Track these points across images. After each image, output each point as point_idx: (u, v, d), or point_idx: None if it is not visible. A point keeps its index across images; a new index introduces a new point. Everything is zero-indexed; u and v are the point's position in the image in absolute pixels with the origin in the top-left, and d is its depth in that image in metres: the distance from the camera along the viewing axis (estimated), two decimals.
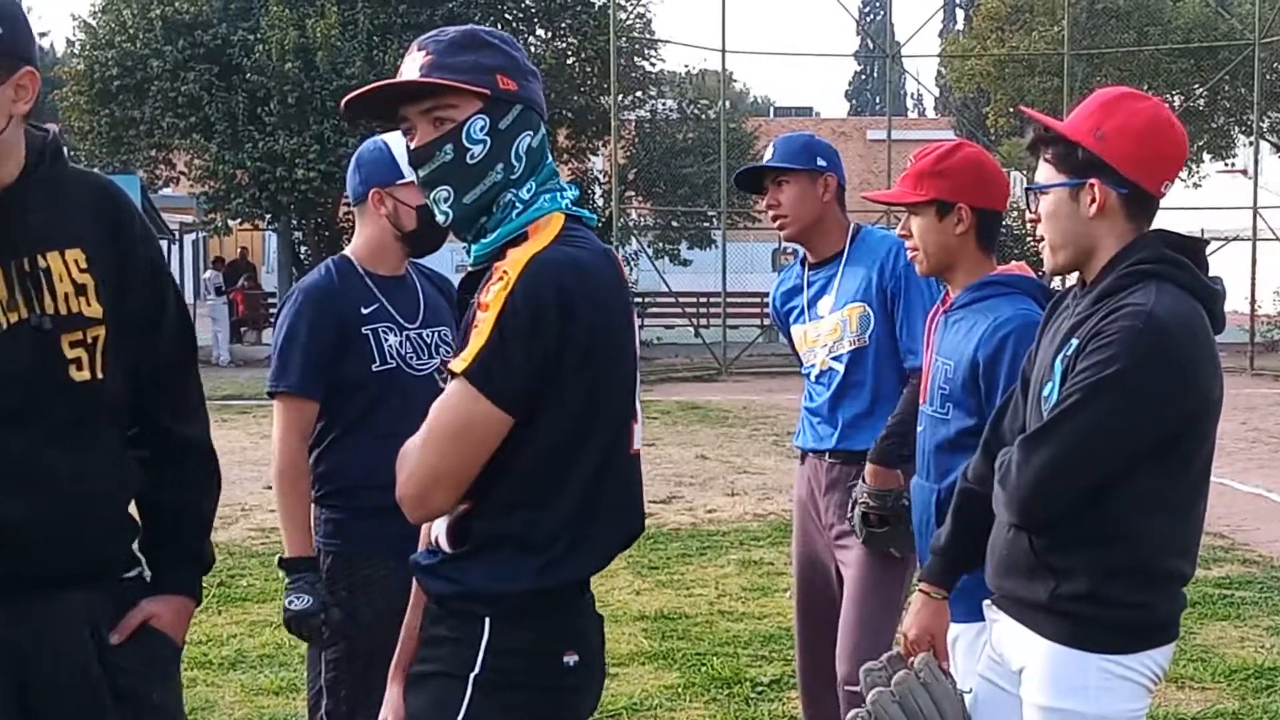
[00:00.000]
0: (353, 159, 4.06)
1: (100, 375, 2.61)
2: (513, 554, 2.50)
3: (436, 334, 4.02)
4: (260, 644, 6.92)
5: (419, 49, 2.57)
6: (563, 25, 27.38)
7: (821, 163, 4.61)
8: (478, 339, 2.44)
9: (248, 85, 24.97)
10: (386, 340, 3.92)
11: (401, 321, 3.97)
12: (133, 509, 2.80)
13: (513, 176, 2.56)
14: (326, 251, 27.57)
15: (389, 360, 3.91)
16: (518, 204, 2.56)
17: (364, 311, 3.92)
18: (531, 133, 2.58)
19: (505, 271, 2.45)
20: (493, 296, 2.44)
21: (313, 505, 3.97)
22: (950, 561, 3.30)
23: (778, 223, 4.66)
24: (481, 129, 2.53)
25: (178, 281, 3.04)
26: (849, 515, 4.47)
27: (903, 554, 4.44)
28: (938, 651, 3.30)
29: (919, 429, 3.81)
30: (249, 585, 8.09)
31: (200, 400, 2.90)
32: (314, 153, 24.71)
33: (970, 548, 3.17)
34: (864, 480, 4.39)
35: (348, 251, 4.08)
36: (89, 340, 2.60)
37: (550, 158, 2.65)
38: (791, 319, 4.80)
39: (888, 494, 4.34)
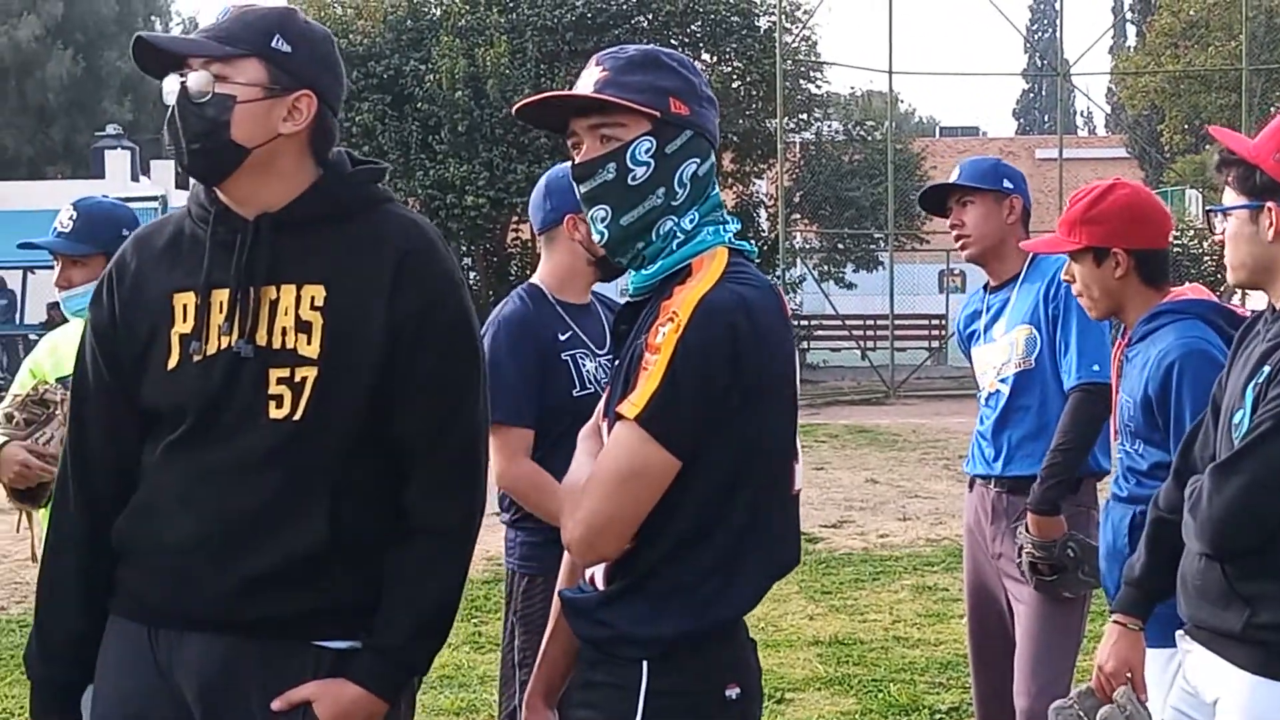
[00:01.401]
0: (539, 186, 4.08)
1: (300, 417, 2.51)
2: (666, 595, 2.46)
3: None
4: (439, 665, 7.02)
5: (596, 64, 2.54)
6: (728, 50, 27.41)
7: (1008, 185, 4.58)
8: (649, 383, 2.39)
9: (419, 114, 25.40)
10: (584, 366, 3.97)
11: (593, 348, 4.01)
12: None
13: (674, 203, 2.50)
14: (494, 277, 27.93)
15: (588, 385, 3.95)
16: (679, 234, 2.51)
17: (560, 338, 3.97)
18: (698, 160, 2.52)
19: (675, 313, 2.41)
20: (663, 339, 2.40)
21: (507, 528, 4.03)
22: (1144, 592, 3.24)
23: (960, 243, 4.64)
24: (647, 151, 2.48)
25: None
26: (1017, 560, 4.42)
27: (1076, 595, 4.39)
28: (1136, 684, 3.25)
29: (1115, 457, 3.77)
30: None
31: (458, 480, 2.61)
32: (483, 180, 25.04)
33: (1164, 577, 3.12)
34: (1027, 529, 4.34)
35: (536, 280, 4.12)
36: (296, 379, 2.51)
37: (716, 188, 2.59)
38: (972, 342, 4.77)
39: (1053, 544, 4.29)
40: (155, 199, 19.11)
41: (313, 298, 2.53)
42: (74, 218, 4.22)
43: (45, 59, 43.55)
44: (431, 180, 25.17)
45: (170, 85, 2.55)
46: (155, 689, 2.61)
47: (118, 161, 35.14)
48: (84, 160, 39.21)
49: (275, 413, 2.52)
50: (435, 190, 25.20)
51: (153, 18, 50.12)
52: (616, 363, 2.59)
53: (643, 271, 2.54)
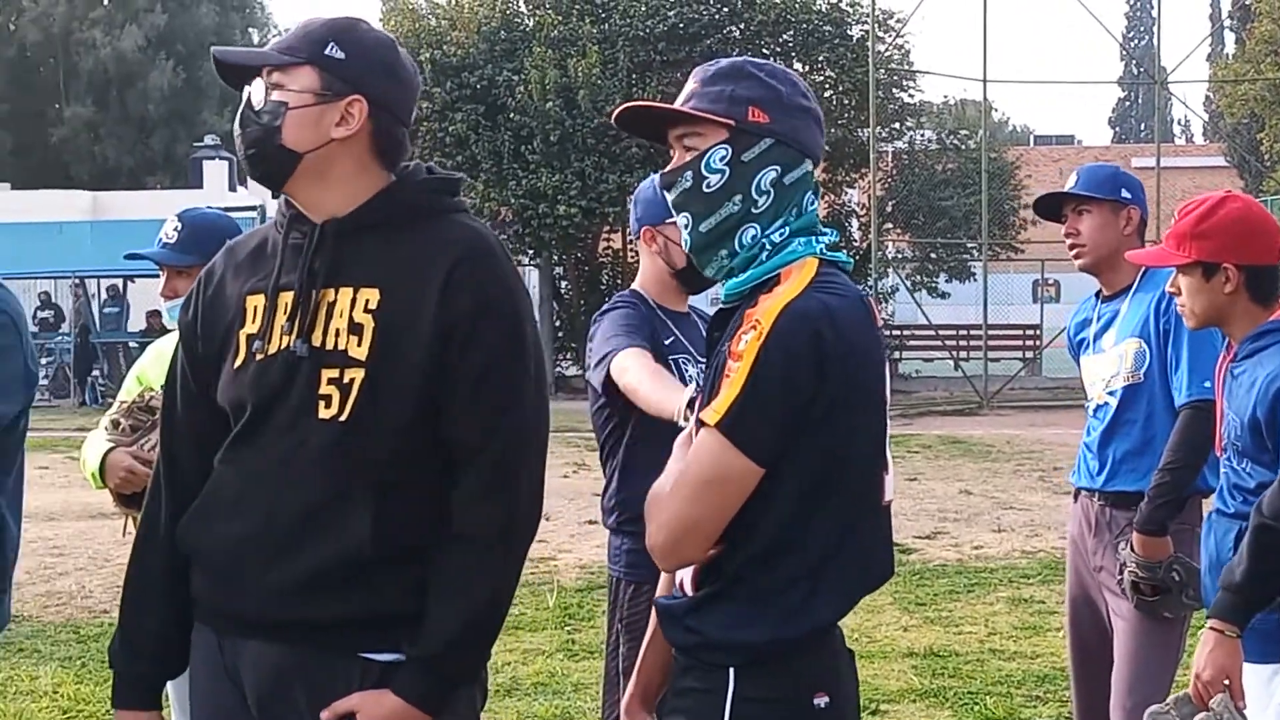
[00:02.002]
0: (633, 198, 4.18)
1: (346, 417, 2.53)
2: (754, 602, 2.46)
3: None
4: (534, 672, 7.06)
5: (692, 77, 2.59)
6: (820, 59, 27.37)
7: (1126, 195, 4.51)
8: (730, 390, 2.40)
9: (512, 124, 25.57)
10: (687, 371, 3.99)
11: (694, 355, 4.03)
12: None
13: (754, 210, 2.50)
14: (586, 286, 28.05)
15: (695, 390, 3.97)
16: (767, 244, 2.51)
17: (665, 342, 4.00)
18: (780, 169, 2.52)
19: (758, 321, 2.41)
20: (745, 346, 2.40)
21: (611, 535, 4.04)
22: (1244, 599, 3.20)
23: (1074, 252, 4.58)
24: (721, 159, 2.49)
25: None
26: (1119, 579, 4.37)
27: (1177, 616, 4.34)
28: (1233, 692, 3.20)
29: (1222, 471, 3.72)
30: (520, 613, 8.24)
31: (500, 486, 2.57)
32: (575, 189, 25.16)
33: (1266, 585, 3.08)
34: (1132, 548, 4.29)
35: (637, 285, 4.17)
36: (345, 380, 2.54)
37: (811, 199, 2.58)
38: (1081, 350, 4.72)
39: (1157, 565, 4.23)
40: (254, 209, 19.35)
41: (367, 300, 2.55)
42: (179, 229, 4.28)
43: (147, 70, 44.32)
44: (524, 190, 25.32)
45: (244, 96, 2.64)
46: (228, 695, 2.66)
47: (215, 172, 35.64)
48: (183, 170, 39.83)
49: (324, 412, 2.55)
50: (528, 200, 25.35)
51: (250, 29, 50.84)
52: (706, 370, 2.60)
53: (733, 279, 2.56)
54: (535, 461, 2.63)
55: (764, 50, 26.74)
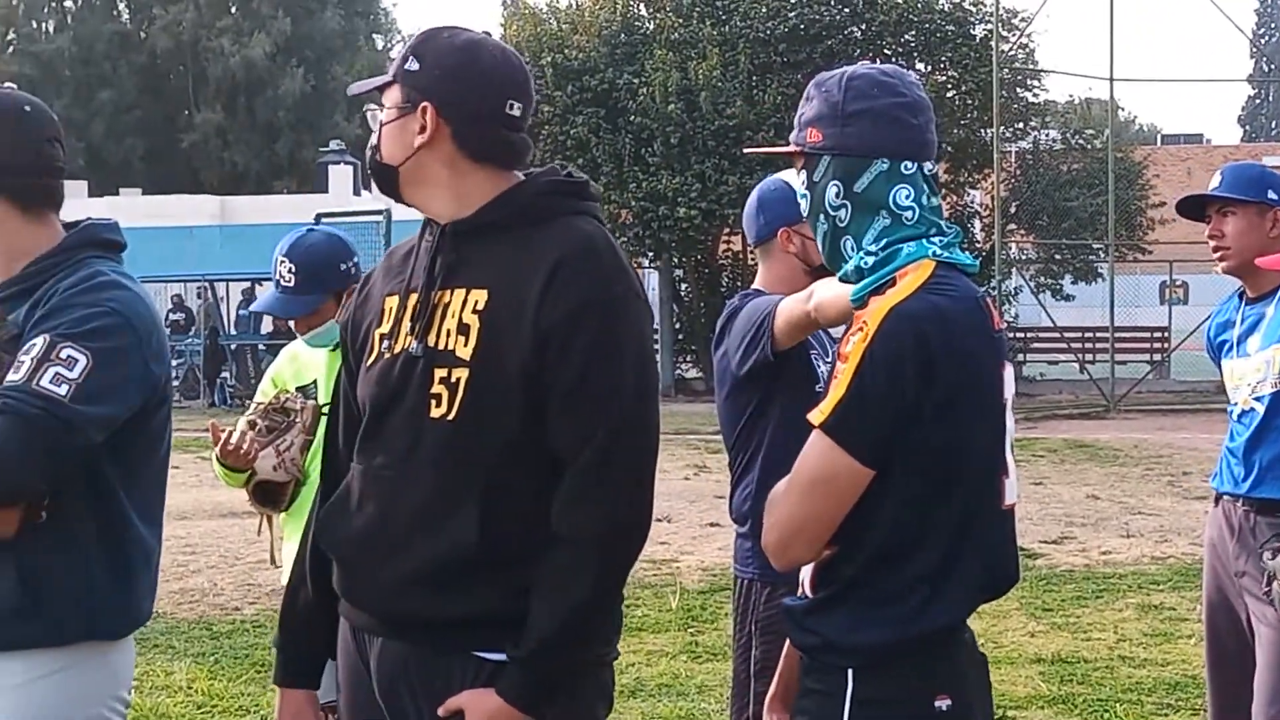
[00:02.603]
0: (752, 199, 4.11)
1: (453, 416, 2.56)
2: (872, 604, 2.47)
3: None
4: (658, 673, 7.08)
5: None
6: (943, 59, 27.13)
7: (1273, 196, 4.40)
8: (836, 391, 2.43)
9: (632, 127, 25.63)
10: (819, 367, 3.98)
11: (825, 351, 4.02)
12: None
13: (840, 224, 2.58)
14: (705, 289, 28.04)
15: (825, 387, 3.96)
16: (868, 251, 2.55)
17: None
18: (841, 182, 2.56)
19: (865, 322, 2.44)
20: (852, 348, 2.43)
21: (741, 538, 4.04)
22: None
23: (1218, 254, 4.49)
24: (803, 184, 2.63)
25: None
26: (1265, 588, 4.29)
27: None
28: None
29: None
30: (644, 615, 8.27)
31: (601, 488, 2.54)
32: (695, 191, 25.16)
33: None
34: (1276, 556, 4.20)
35: (759, 286, 4.15)
36: (452, 379, 2.56)
37: (906, 193, 2.56)
38: (1222, 352, 4.64)
39: None
40: (379, 213, 19.57)
41: (476, 301, 2.58)
42: (293, 271, 4.25)
43: (274, 76, 45.09)
44: (644, 192, 25.38)
45: None
46: (365, 688, 2.72)
47: (340, 176, 36.17)
48: (309, 175, 40.45)
49: (435, 411, 2.58)
50: (648, 202, 25.41)
51: (374, 34, 51.50)
52: (829, 373, 2.63)
53: (856, 285, 2.59)
54: (636, 465, 2.59)
55: (885, 51, 26.58)
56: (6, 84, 3.03)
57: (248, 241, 26.28)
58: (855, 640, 2.47)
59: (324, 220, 20.01)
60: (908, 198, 2.56)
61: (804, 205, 2.63)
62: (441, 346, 2.58)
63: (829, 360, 4.02)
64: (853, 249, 2.57)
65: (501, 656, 2.56)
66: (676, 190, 25.14)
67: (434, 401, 2.57)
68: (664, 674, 7.05)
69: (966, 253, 2.59)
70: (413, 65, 2.65)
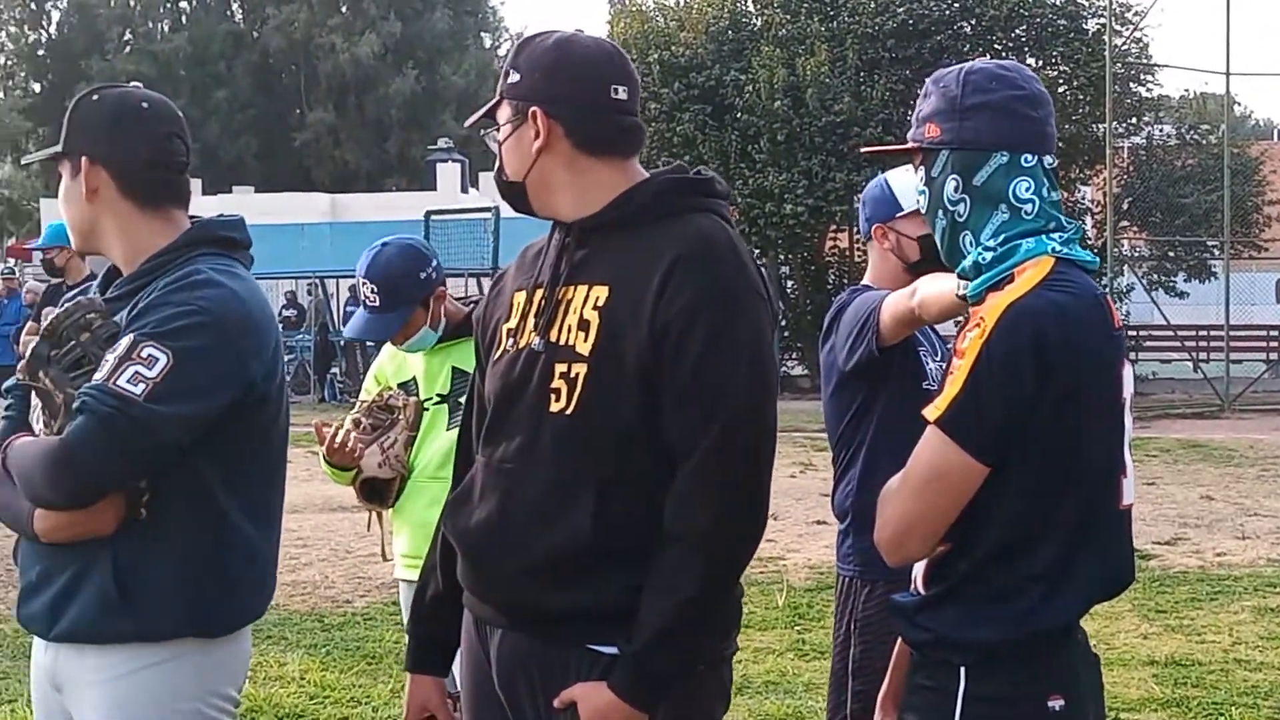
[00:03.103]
0: (861, 197, 4.19)
1: (572, 411, 2.59)
2: (986, 601, 2.46)
3: (944, 366, 4.05)
4: (764, 670, 7.07)
5: None
6: (1054, 53, 26.78)
7: None
8: (952, 387, 2.42)
9: (738, 124, 25.57)
10: (926, 364, 3.97)
11: (931, 347, 4.01)
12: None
13: (958, 220, 2.56)
14: (812, 286, 27.93)
15: (933, 383, 3.95)
16: (986, 246, 2.53)
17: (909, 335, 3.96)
18: (960, 177, 2.55)
19: (982, 318, 2.42)
20: (969, 344, 2.42)
21: (842, 534, 4.03)
22: None
23: None
24: (921, 180, 2.63)
25: None
26: None
27: None
28: None
29: None
30: (750, 613, 8.25)
31: (713, 485, 2.54)
32: (802, 188, 25.06)
33: None
34: None
35: (867, 282, 4.15)
36: (571, 374, 2.59)
37: (1026, 186, 2.54)
38: None
39: None
40: (488, 210, 19.71)
41: (597, 298, 2.61)
42: (375, 291, 4.28)
43: (383, 75, 45.52)
44: (750, 189, 25.31)
45: None
46: (485, 678, 2.76)
47: (449, 174, 36.44)
48: (418, 173, 40.80)
49: (554, 405, 2.61)
50: (754, 199, 25.35)
51: (482, 33, 51.83)
52: (944, 368, 2.61)
53: (971, 283, 2.58)
54: (751, 463, 2.58)
55: (995, 46, 26.30)
56: (132, 83, 3.09)
57: (357, 238, 26.49)
58: (968, 637, 2.47)
59: (433, 218, 20.24)
60: (1028, 190, 2.54)
61: (922, 202, 2.64)
62: (562, 342, 2.62)
63: (937, 358, 4.01)
64: (971, 244, 2.56)
65: (615, 650, 2.58)
66: (783, 187, 25.06)
67: (554, 396, 2.61)
68: (770, 671, 7.04)
69: (1087, 250, 2.57)
70: (514, 78, 2.69)
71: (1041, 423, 2.39)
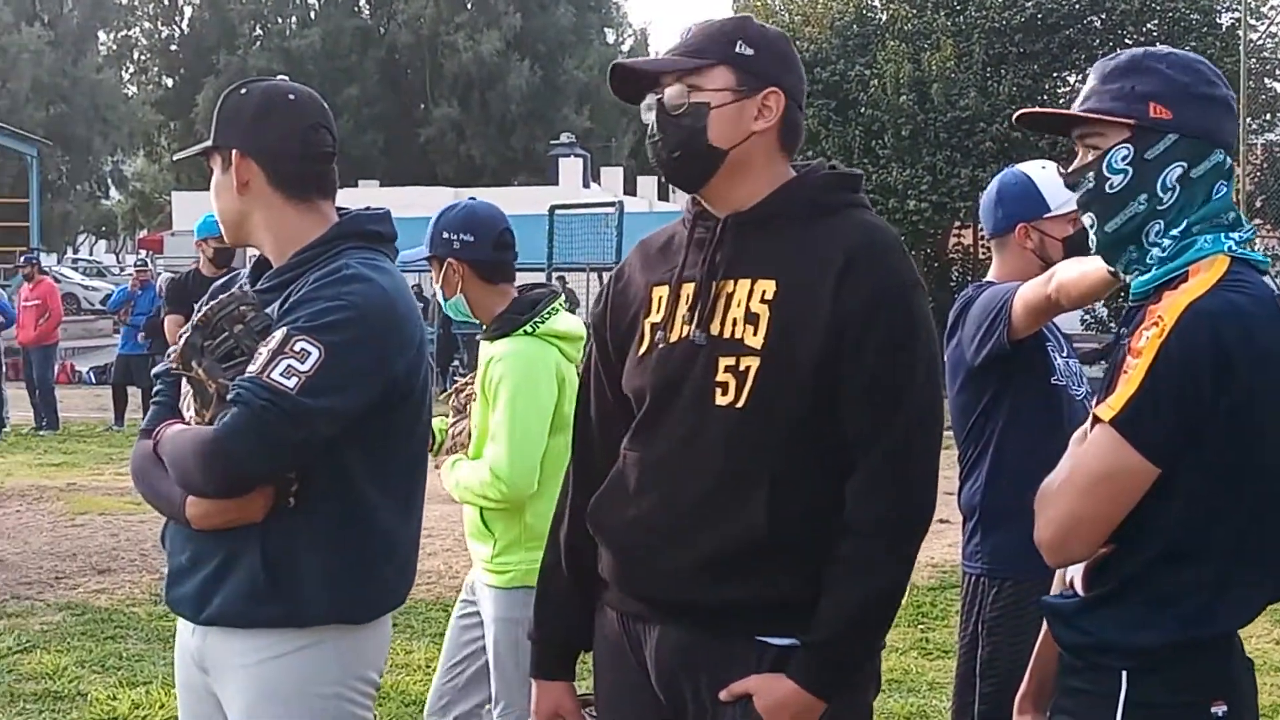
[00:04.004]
0: (991, 192, 4.08)
1: (743, 404, 2.58)
2: (1151, 605, 2.40)
3: (1074, 364, 4.00)
4: (888, 669, 7.01)
5: (1092, 71, 2.56)
6: (1187, 48, 26.18)
7: None
8: (1127, 387, 2.35)
9: (862, 119, 25.46)
10: (1054, 360, 3.92)
11: (1060, 344, 3.96)
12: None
13: (1159, 208, 2.46)
14: (935, 283, 27.69)
15: (1061, 378, 3.91)
16: (1171, 240, 2.46)
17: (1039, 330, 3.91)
18: (1186, 163, 2.46)
19: (1160, 318, 2.36)
20: (1146, 343, 2.35)
21: (969, 532, 3.99)
22: None
23: None
24: (1124, 159, 2.46)
25: None
26: None
27: None
28: None
29: None
30: None
31: (893, 479, 2.58)
32: (926, 184, 24.89)
33: None
34: None
35: (991, 279, 4.09)
36: (741, 368, 2.58)
37: (1222, 188, 2.51)
38: None
39: None
40: (611, 205, 19.77)
41: (764, 292, 2.60)
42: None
43: (506, 71, 45.85)
44: (874, 185, 25.16)
45: (648, 104, 2.71)
46: (632, 673, 2.76)
47: (570, 169, 36.60)
48: (541, 167, 41.05)
49: (721, 399, 2.60)
50: (877, 195, 25.19)
51: (605, 28, 52.01)
52: (1107, 366, 2.55)
53: (1141, 278, 2.51)
54: (928, 455, 2.62)
55: (1126, 41, 25.91)
56: (279, 75, 3.13)
57: None
58: (1132, 641, 2.41)
59: (557, 212, 20.35)
60: (1221, 191, 2.51)
61: (1118, 180, 2.48)
62: (727, 335, 2.61)
63: (1063, 354, 3.96)
64: (1158, 235, 2.48)
65: (786, 641, 2.59)
66: (906, 183, 24.90)
67: (719, 389, 2.60)
68: (894, 669, 6.99)
69: (1258, 250, 2.51)
70: (745, 50, 2.65)
71: (1218, 426, 2.34)
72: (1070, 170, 2.55)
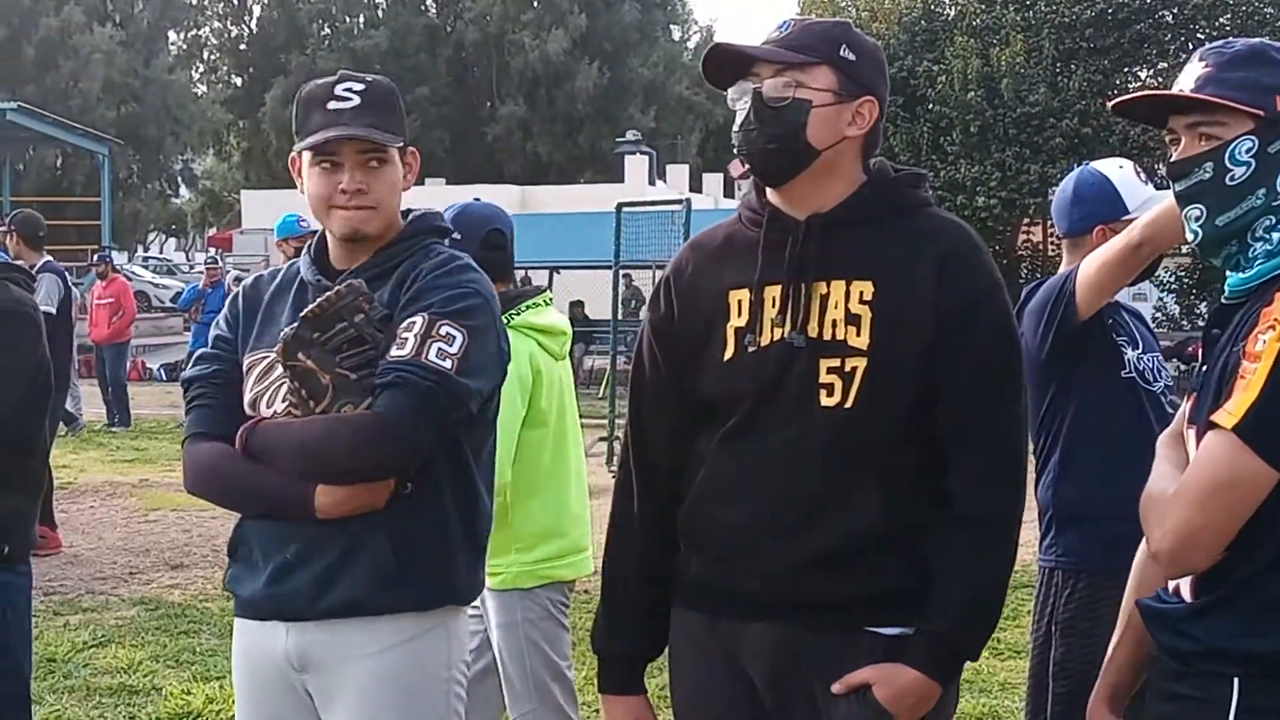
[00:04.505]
0: (1066, 190, 4.02)
1: (850, 405, 2.60)
2: (1263, 611, 2.34)
3: (1155, 359, 3.95)
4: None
5: (1199, 59, 2.46)
6: None
7: None
8: (1248, 393, 2.28)
9: (930, 115, 25.33)
10: (1125, 353, 3.87)
11: (1132, 338, 3.91)
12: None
13: (1275, 203, 2.38)
14: (1004, 280, 27.48)
15: (1132, 373, 3.86)
16: (1277, 235, 2.39)
17: (1106, 322, 3.86)
18: None
19: (1277, 320, 2.29)
20: (1264, 347, 2.28)
21: (1044, 528, 3.96)
22: None
23: None
24: (1248, 150, 2.37)
25: None
26: None
27: None
28: None
29: None
30: None
31: (1001, 471, 2.64)
32: (995, 180, 24.72)
33: None
34: None
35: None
36: (846, 369, 2.60)
37: None
38: None
39: None
40: (679, 202, 19.75)
41: (861, 292, 2.61)
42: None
43: (572, 70, 45.93)
44: (942, 181, 25.05)
45: (740, 91, 2.69)
46: (724, 677, 2.75)
47: (636, 166, 36.60)
48: (606, 165, 41.10)
49: (826, 401, 2.61)
50: (945, 192, 25.07)
51: (671, 26, 51.99)
52: (1204, 368, 2.49)
53: (1239, 274, 2.44)
54: (1025, 443, 2.72)
55: (1198, 36, 25.61)
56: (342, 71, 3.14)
57: (547, 230, 26.84)
58: (1245, 648, 2.35)
59: (625, 210, 20.34)
60: None
61: (1241, 173, 2.39)
62: (828, 337, 2.62)
63: (1137, 348, 3.90)
64: (1266, 230, 2.41)
65: (894, 631, 2.61)
66: (975, 179, 24.75)
67: (824, 391, 2.61)
68: (965, 670, 6.92)
69: None
70: (849, 54, 2.67)
71: None
72: (1182, 158, 2.45)
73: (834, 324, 2.62)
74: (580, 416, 4.59)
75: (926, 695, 2.61)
